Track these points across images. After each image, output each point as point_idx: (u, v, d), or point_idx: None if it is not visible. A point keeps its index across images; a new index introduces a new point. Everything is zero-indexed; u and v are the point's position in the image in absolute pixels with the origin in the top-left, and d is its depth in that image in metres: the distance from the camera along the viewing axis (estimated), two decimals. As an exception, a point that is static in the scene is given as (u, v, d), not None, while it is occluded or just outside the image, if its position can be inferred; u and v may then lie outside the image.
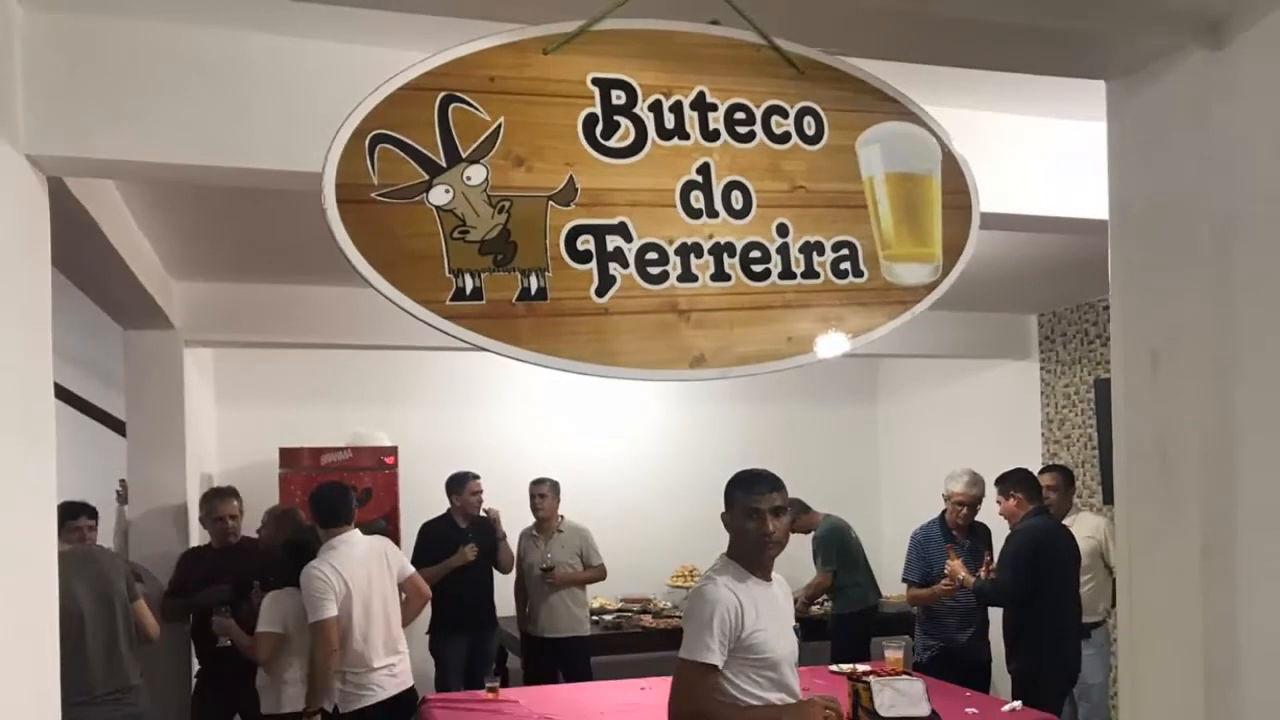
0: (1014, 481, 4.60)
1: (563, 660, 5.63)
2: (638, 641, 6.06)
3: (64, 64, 2.31)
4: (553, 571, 5.58)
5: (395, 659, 4.06)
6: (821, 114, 1.97)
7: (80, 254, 3.49)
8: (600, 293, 1.79)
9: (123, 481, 5.32)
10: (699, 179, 1.87)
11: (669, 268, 1.84)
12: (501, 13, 1.84)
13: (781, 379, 6.67)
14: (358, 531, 4.10)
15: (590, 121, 1.80)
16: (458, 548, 5.47)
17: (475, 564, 5.50)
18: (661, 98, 1.85)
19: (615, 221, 1.81)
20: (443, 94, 1.71)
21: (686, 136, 1.87)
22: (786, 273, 1.93)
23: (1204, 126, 1.89)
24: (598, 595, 6.37)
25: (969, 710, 4.01)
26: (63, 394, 5.48)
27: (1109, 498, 5.44)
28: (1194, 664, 1.88)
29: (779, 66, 1.92)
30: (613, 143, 1.82)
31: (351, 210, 1.64)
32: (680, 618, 4.17)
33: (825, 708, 2.67)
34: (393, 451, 6.33)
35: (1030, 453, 6.18)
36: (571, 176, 1.78)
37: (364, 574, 3.98)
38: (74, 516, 4.08)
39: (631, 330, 1.81)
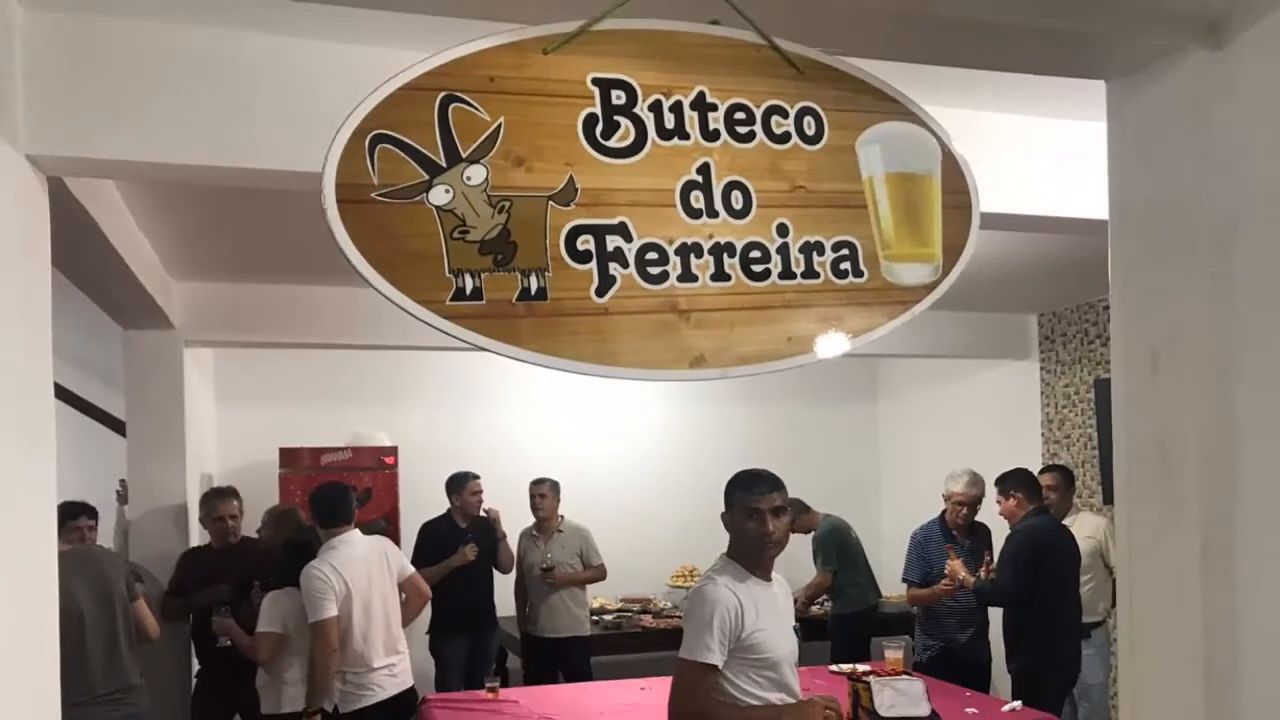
0: (1014, 481, 4.60)
1: (563, 660, 5.63)
2: (638, 641, 6.05)
3: (64, 64, 2.31)
4: (553, 571, 5.58)
5: (395, 659, 4.06)
6: (821, 114, 1.97)
7: (80, 254, 3.49)
8: (600, 293, 1.79)
9: (123, 481, 5.32)
10: (699, 179, 1.88)
11: (669, 268, 1.84)
12: (501, 13, 1.84)
13: (781, 379, 6.68)
14: (358, 531, 4.10)
15: (590, 121, 1.80)
16: (458, 548, 5.46)
17: (475, 564, 5.49)
18: (661, 98, 1.85)
19: (615, 221, 1.81)
20: (443, 94, 1.71)
21: (686, 136, 1.87)
22: (786, 273, 1.93)
23: (1204, 126, 1.89)
24: (598, 595, 6.37)
25: (969, 710, 4.01)
26: (63, 394, 5.48)
27: (1109, 498, 5.44)
28: (1194, 664, 1.88)
29: (779, 66, 1.92)
30: (613, 143, 1.82)
31: (351, 210, 1.64)
32: (680, 618, 4.17)
33: (825, 708, 2.67)
34: (393, 451, 6.33)
35: (1030, 453, 6.18)
36: (571, 176, 1.78)
37: (364, 574, 3.98)
38: (74, 516, 4.08)
39: (631, 330, 1.81)
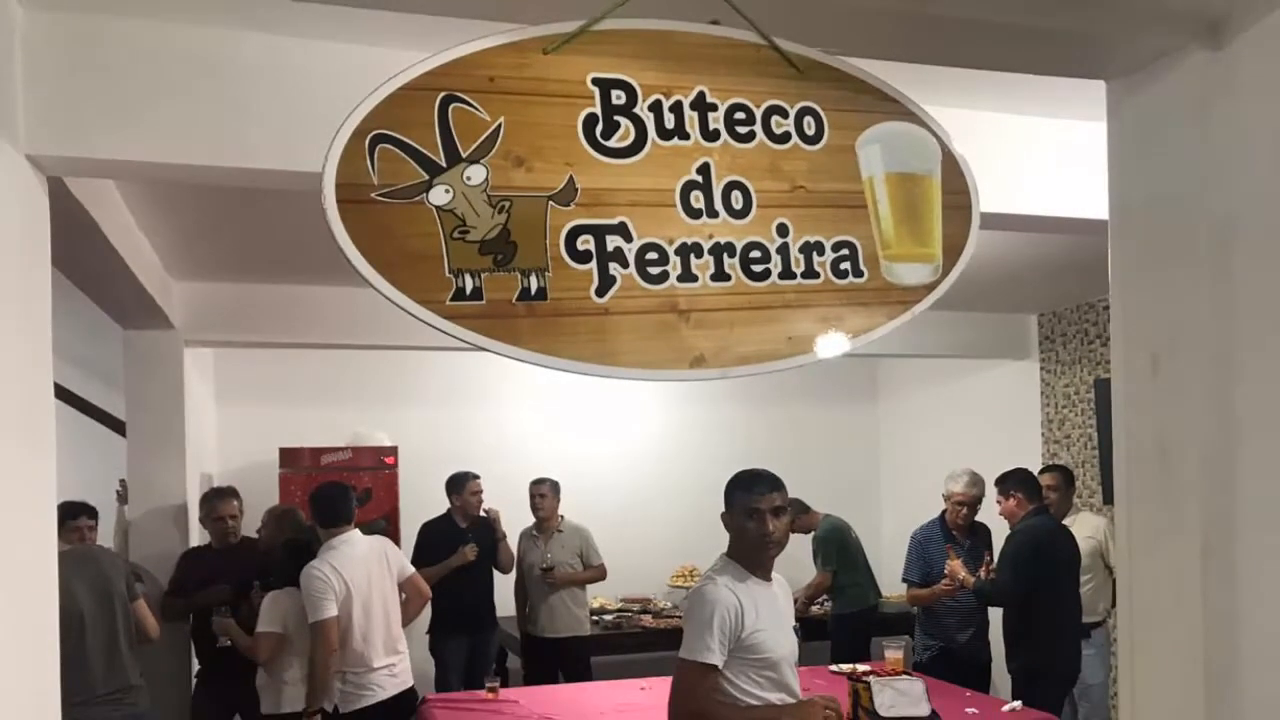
0: (1014, 481, 4.60)
1: (563, 660, 5.63)
2: (638, 641, 6.06)
3: (64, 64, 2.31)
4: (553, 571, 5.58)
5: (395, 659, 4.06)
6: (821, 114, 1.97)
7: (80, 254, 3.49)
8: (600, 293, 1.79)
9: (123, 481, 5.32)
10: (699, 179, 1.88)
11: (669, 268, 1.84)
12: (501, 13, 1.84)
13: (781, 379, 6.68)
14: (358, 531, 4.10)
15: (590, 121, 1.80)
16: (458, 548, 5.47)
17: (475, 564, 5.50)
18: (661, 98, 1.85)
19: (615, 221, 1.81)
20: (443, 94, 1.71)
21: (686, 136, 1.87)
22: (786, 273, 1.93)
23: (1204, 126, 1.89)
24: (598, 595, 6.37)
25: (969, 710, 4.01)
26: (63, 394, 5.48)
27: (1109, 498, 5.44)
28: (1194, 664, 1.88)
29: (779, 66, 1.92)
30: (613, 143, 1.82)
31: (351, 210, 1.64)
32: (680, 618, 4.17)
33: (825, 708, 2.67)
34: (393, 451, 6.33)
35: (1030, 453, 6.18)
36: (571, 176, 1.78)
37: (364, 574, 3.98)
38: (74, 516, 4.09)
39: (631, 330, 1.81)
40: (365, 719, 3.92)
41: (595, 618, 6.11)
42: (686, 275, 1.85)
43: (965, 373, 6.94)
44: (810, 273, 1.95)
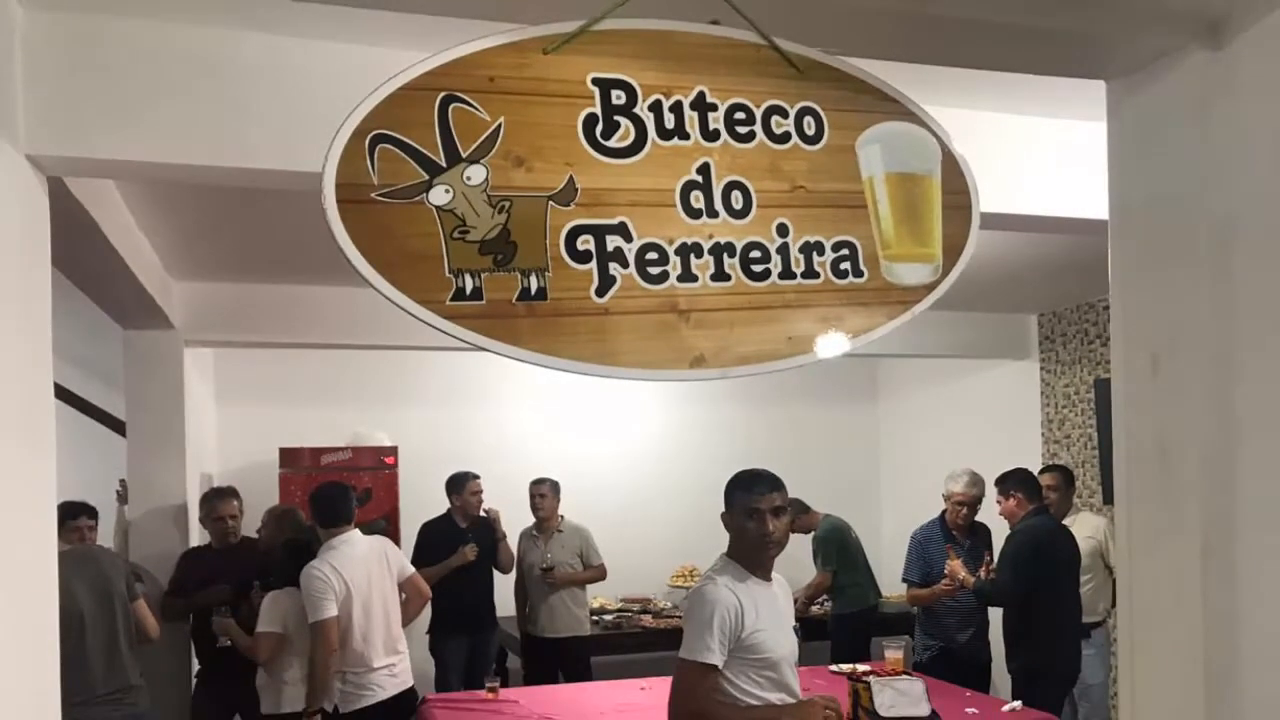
0: (1014, 481, 4.60)
1: (563, 660, 5.63)
2: (638, 641, 6.06)
3: (64, 64, 2.31)
4: (553, 571, 5.58)
5: (395, 659, 4.06)
6: (821, 114, 1.97)
7: (80, 254, 3.49)
8: (600, 293, 1.79)
9: (123, 481, 5.32)
10: (699, 179, 1.88)
11: (669, 268, 1.84)
12: (501, 13, 1.85)
13: (781, 379, 6.68)
14: (358, 531, 4.10)
15: (590, 121, 1.80)
16: (458, 548, 5.47)
17: (475, 564, 5.50)
18: (661, 98, 1.85)
19: (615, 221, 1.81)
20: (443, 94, 1.71)
21: (686, 136, 1.87)
22: (786, 273, 1.93)
23: (1204, 126, 1.89)
24: (598, 595, 6.37)
25: (969, 710, 4.01)
26: (63, 394, 5.48)
27: (1109, 498, 5.44)
28: (1194, 664, 1.88)
29: (779, 66, 1.92)
30: (613, 143, 1.82)
31: (351, 210, 1.64)
32: (680, 618, 4.17)
33: (825, 708, 2.67)
34: (393, 451, 6.33)
35: (1030, 453, 6.18)
36: (571, 176, 1.78)
37: (364, 574, 3.98)
38: (74, 516, 4.09)
39: (631, 330, 1.81)
40: (365, 719, 3.92)
41: (595, 618, 6.11)
42: (686, 275, 1.85)
43: (965, 373, 6.94)
44: (810, 273, 1.95)
